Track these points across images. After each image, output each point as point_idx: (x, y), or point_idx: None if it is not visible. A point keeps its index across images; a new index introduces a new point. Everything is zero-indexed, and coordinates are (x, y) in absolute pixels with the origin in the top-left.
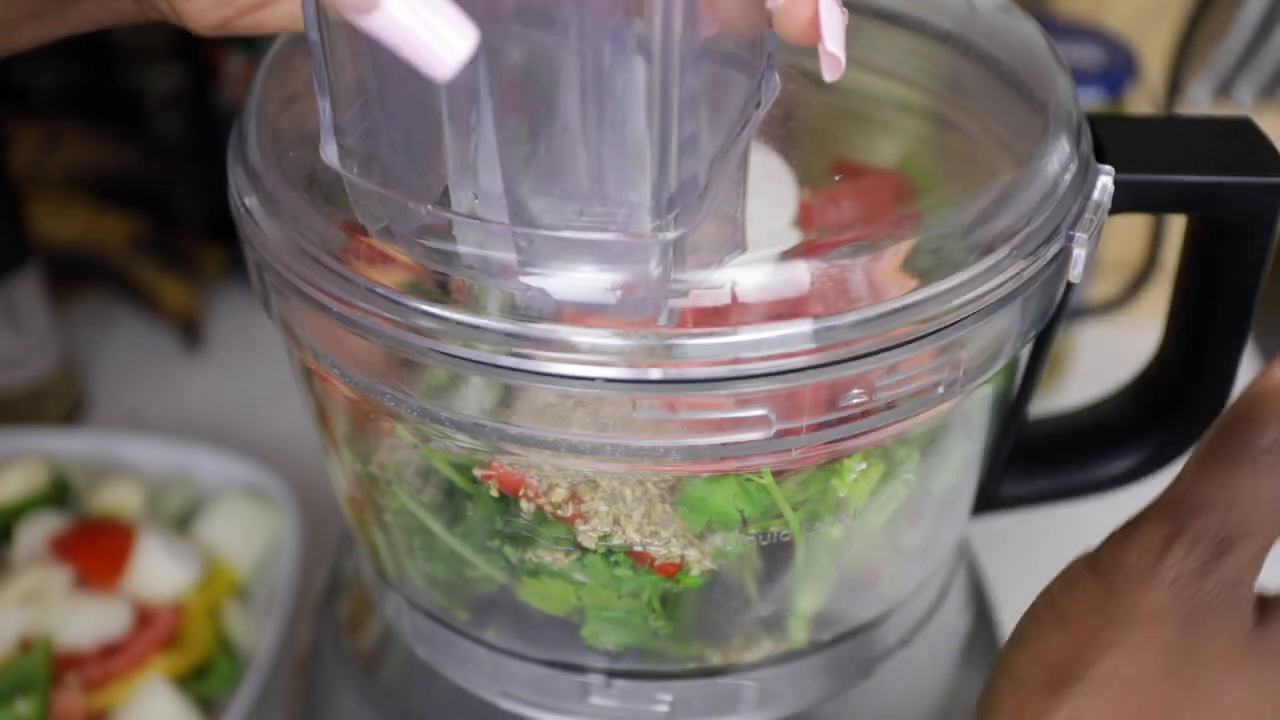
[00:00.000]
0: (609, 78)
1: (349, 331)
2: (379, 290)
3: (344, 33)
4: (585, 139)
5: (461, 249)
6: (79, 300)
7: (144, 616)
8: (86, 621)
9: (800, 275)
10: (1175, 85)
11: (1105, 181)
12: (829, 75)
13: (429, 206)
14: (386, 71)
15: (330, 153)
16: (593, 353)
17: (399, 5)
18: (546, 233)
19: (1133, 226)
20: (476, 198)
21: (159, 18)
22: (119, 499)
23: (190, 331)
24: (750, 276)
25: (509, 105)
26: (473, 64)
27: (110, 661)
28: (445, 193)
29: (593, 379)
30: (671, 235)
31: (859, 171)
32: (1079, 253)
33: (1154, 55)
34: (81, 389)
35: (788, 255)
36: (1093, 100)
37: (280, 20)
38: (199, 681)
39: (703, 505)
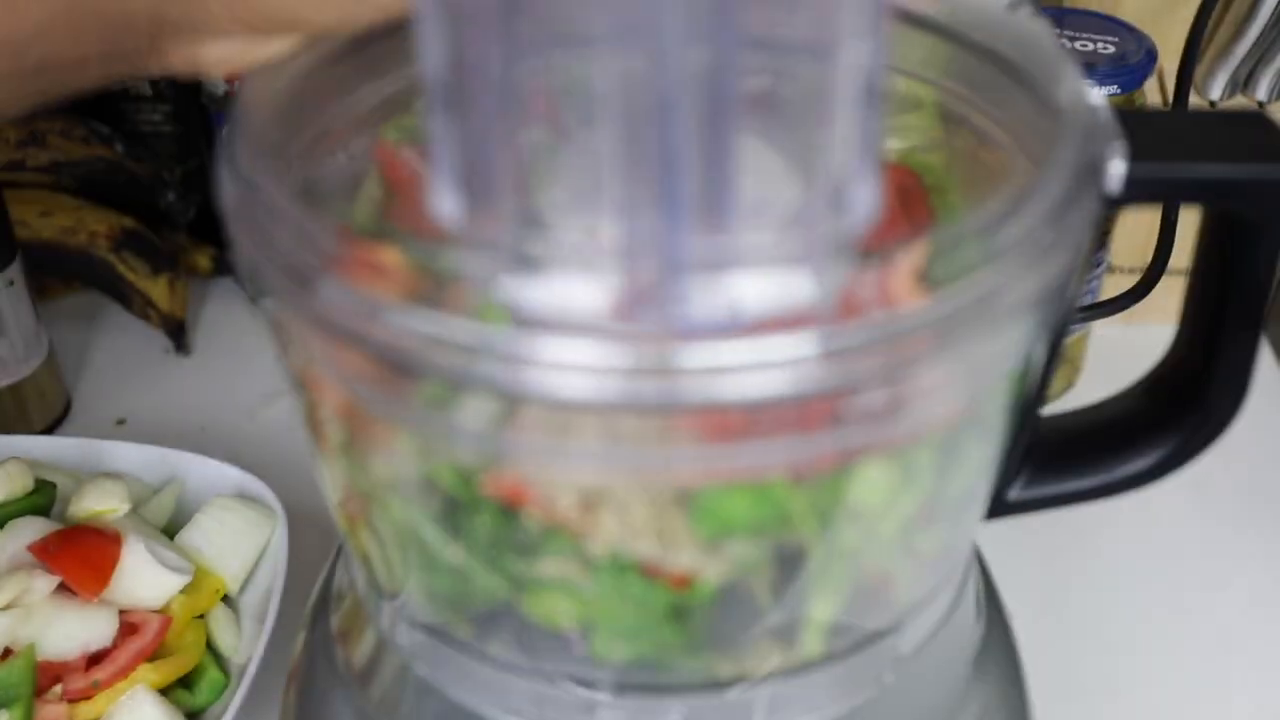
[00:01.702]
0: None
1: (343, 342)
2: (374, 300)
3: None
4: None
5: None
6: (63, 301)
7: (130, 625)
8: (71, 630)
9: (806, 282)
10: (1189, 80)
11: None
12: None
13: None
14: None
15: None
16: (593, 366)
17: None
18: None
19: (1143, 225)
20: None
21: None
22: (105, 505)
23: (178, 334)
24: (754, 284)
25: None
26: None
27: (95, 671)
28: None
29: (593, 395)
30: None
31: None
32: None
33: (1168, 51)
34: (67, 392)
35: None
36: (1109, 93)
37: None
38: (186, 691)
39: (715, 513)
